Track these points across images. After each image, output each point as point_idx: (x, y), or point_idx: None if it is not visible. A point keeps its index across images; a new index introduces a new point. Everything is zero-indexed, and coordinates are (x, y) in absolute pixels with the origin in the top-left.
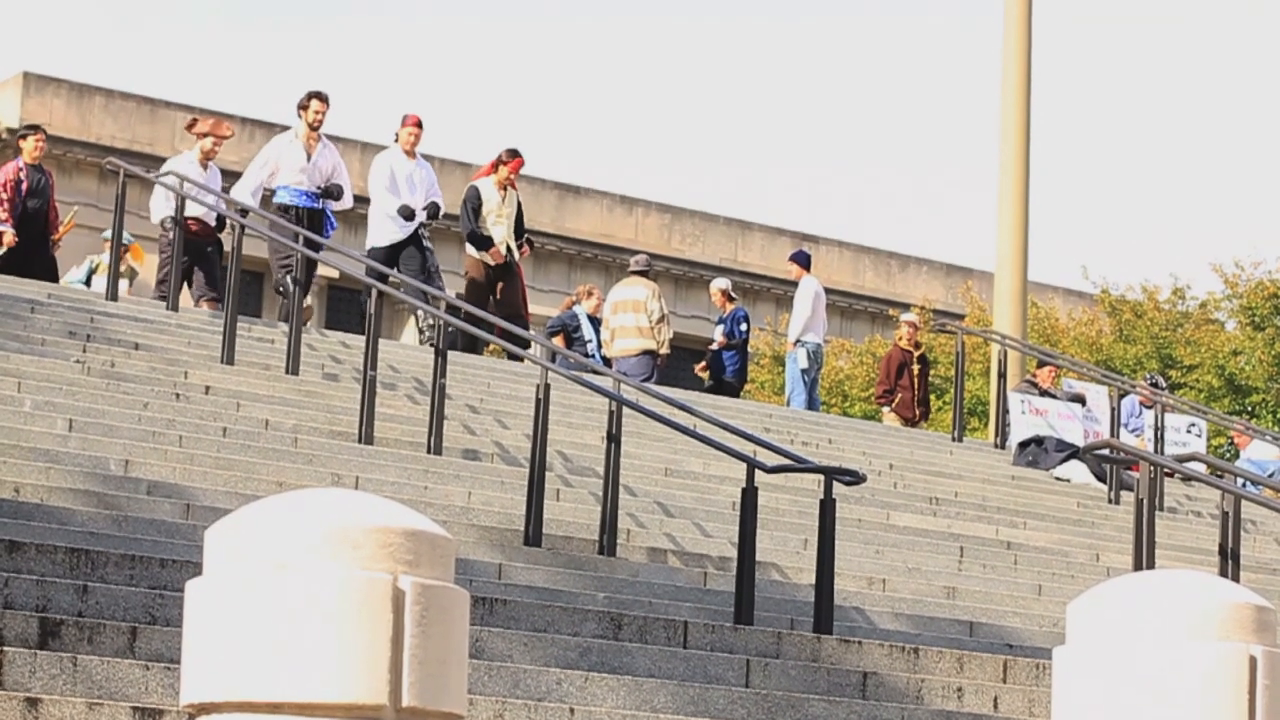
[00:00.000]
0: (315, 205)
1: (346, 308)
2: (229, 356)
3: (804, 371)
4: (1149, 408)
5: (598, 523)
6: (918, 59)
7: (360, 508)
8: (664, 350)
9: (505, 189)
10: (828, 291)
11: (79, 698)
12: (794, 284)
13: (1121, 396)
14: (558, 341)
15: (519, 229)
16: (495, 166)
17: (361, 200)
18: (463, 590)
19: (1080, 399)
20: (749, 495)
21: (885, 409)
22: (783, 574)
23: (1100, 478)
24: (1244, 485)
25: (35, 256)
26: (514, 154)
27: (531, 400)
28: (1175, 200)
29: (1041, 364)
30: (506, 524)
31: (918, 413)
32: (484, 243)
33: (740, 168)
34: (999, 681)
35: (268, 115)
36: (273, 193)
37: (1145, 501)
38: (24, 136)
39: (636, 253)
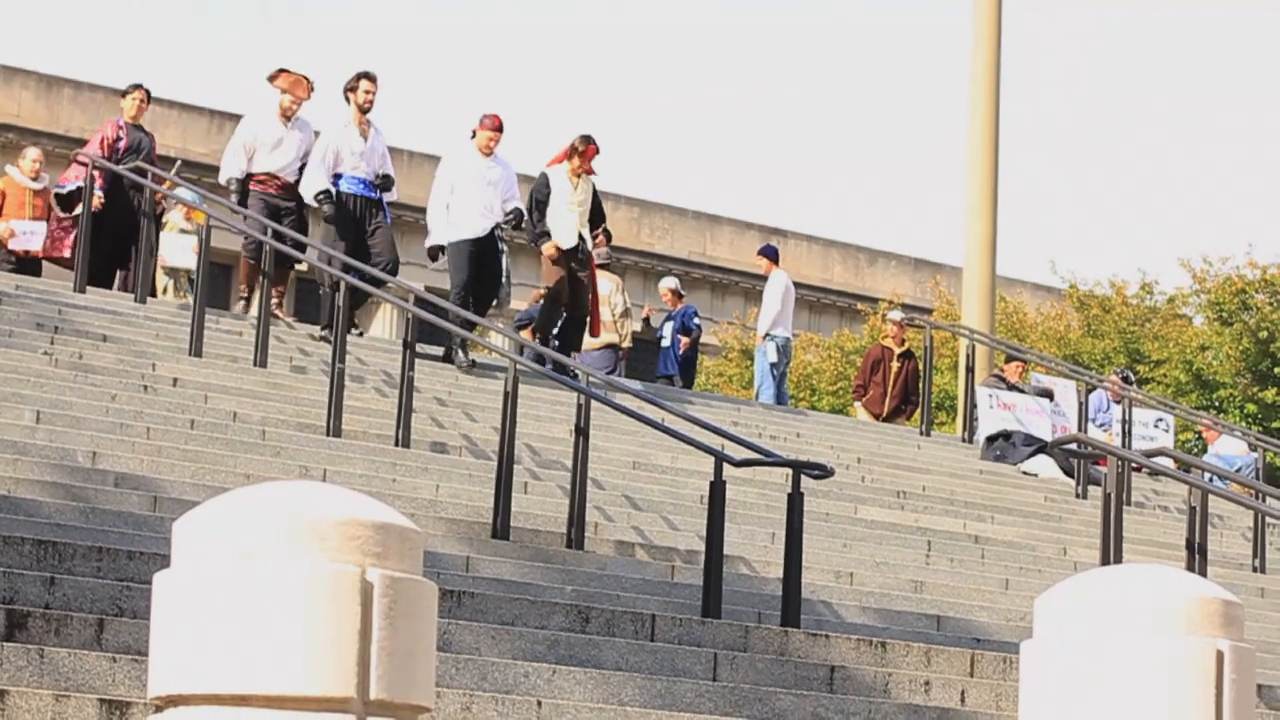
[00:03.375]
0: (373, 195)
1: (316, 300)
2: (197, 349)
3: (773, 365)
4: (1117, 402)
5: (566, 516)
6: (886, 53)
7: (328, 500)
8: (626, 344)
9: (579, 177)
10: (796, 286)
11: (46, 690)
12: (763, 278)
13: (1089, 391)
14: (526, 334)
15: (595, 219)
16: (569, 154)
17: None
18: (431, 583)
19: (1048, 394)
20: (717, 489)
21: (857, 403)
22: (750, 567)
23: (1068, 472)
24: (1211, 480)
25: (135, 215)
26: (588, 140)
27: (499, 393)
28: (1144, 195)
29: (1010, 359)
30: (474, 517)
31: (888, 408)
32: (540, 238)
33: (709, 162)
34: (966, 675)
35: (238, 108)
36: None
37: (1113, 496)
38: (125, 94)
39: None
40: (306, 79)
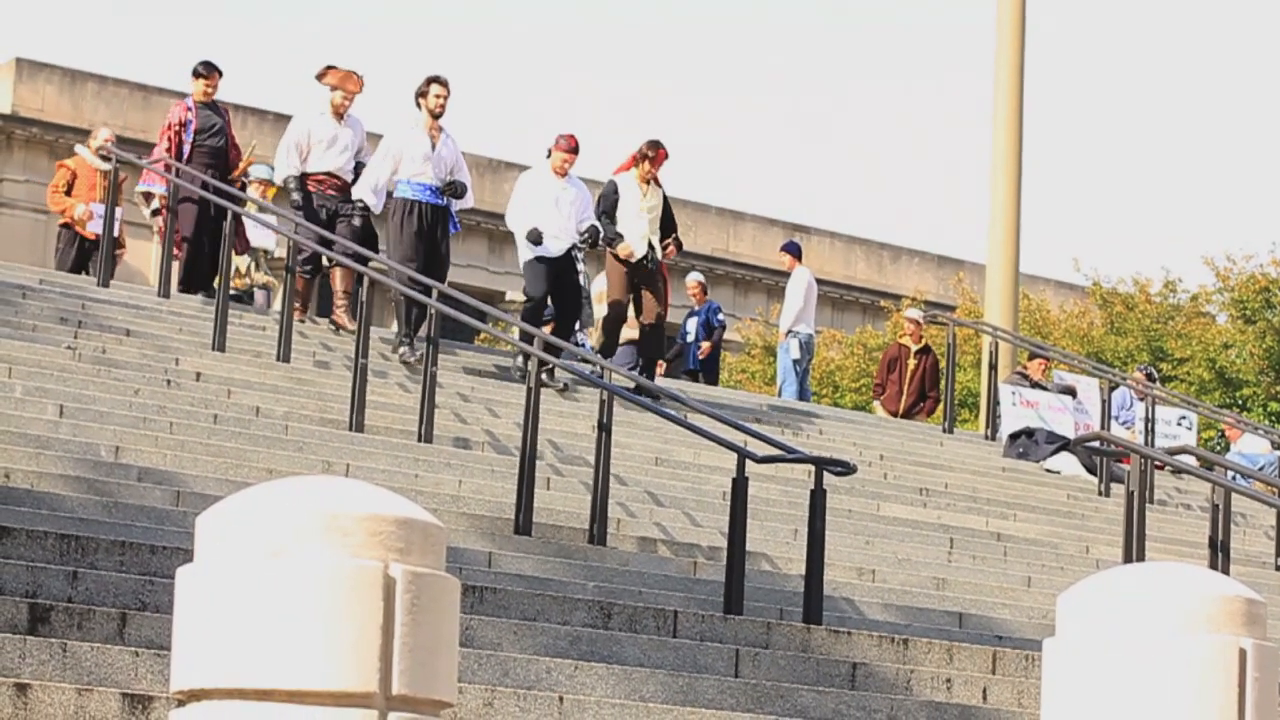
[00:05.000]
0: (439, 201)
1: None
2: (220, 343)
3: (796, 362)
4: (1140, 400)
5: (588, 512)
6: (910, 50)
7: (351, 495)
8: (592, 316)
9: (648, 183)
10: (819, 282)
11: (69, 684)
12: (785, 274)
13: (1112, 389)
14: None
15: (666, 227)
16: (637, 160)
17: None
18: (453, 578)
19: (1071, 391)
20: (739, 485)
21: (875, 402)
22: (773, 564)
23: (1091, 470)
24: (1234, 478)
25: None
26: (656, 146)
27: (522, 389)
28: (1167, 192)
29: (1032, 356)
30: (497, 512)
31: (904, 405)
32: (613, 239)
33: (732, 158)
34: (988, 673)
35: (260, 103)
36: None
37: (1135, 494)
38: (197, 75)
39: None
40: (356, 74)
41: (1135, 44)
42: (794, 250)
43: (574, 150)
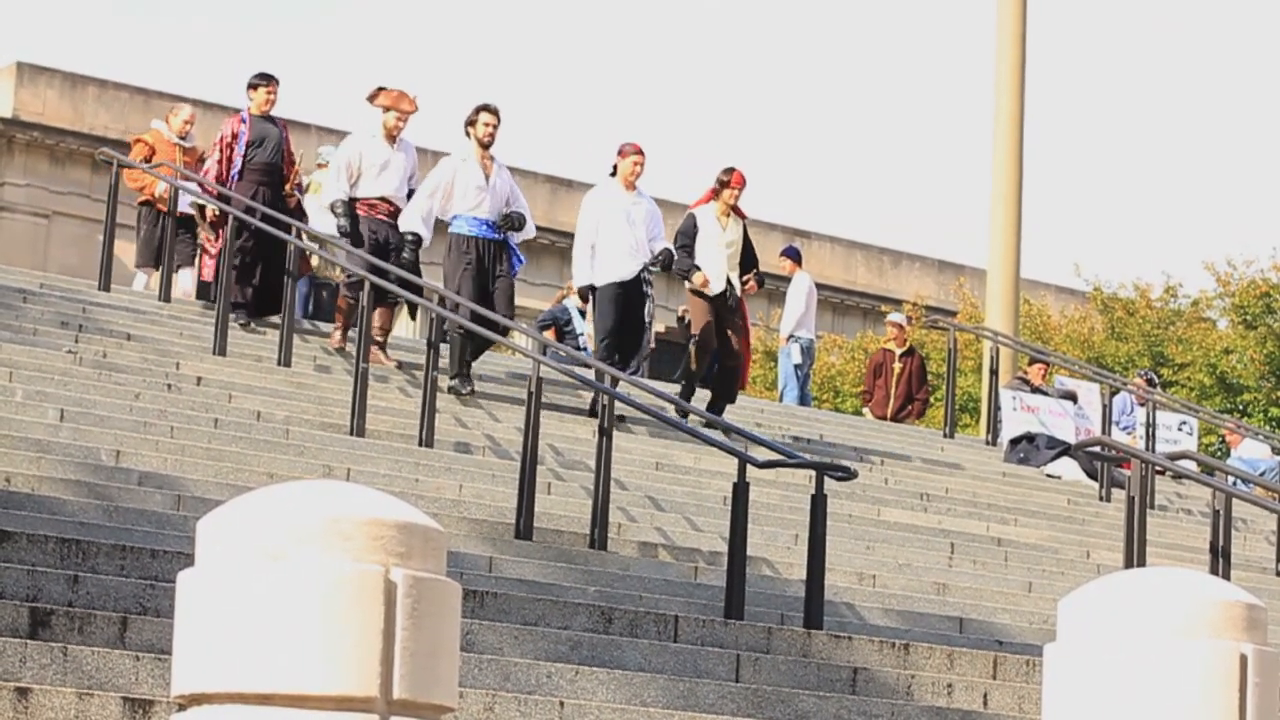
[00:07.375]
0: (496, 236)
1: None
2: (221, 348)
3: (797, 367)
4: (1141, 405)
5: (589, 516)
6: (911, 53)
7: (352, 499)
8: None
9: (728, 215)
10: (820, 287)
11: (69, 688)
12: (786, 279)
13: (1113, 394)
14: (549, 335)
15: (747, 261)
16: (716, 191)
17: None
18: (454, 583)
19: (1072, 396)
20: (740, 490)
21: (865, 409)
22: (773, 569)
23: (1091, 475)
24: (1235, 483)
25: (274, 209)
26: (731, 170)
27: (523, 394)
28: (1168, 198)
29: (1033, 361)
30: (497, 517)
31: (893, 408)
32: (688, 271)
33: (732, 163)
34: (989, 678)
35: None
36: (447, 223)
37: (1136, 499)
38: (254, 86)
39: None
40: (409, 94)
41: (1135, 48)
42: (794, 255)
43: (642, 153)
